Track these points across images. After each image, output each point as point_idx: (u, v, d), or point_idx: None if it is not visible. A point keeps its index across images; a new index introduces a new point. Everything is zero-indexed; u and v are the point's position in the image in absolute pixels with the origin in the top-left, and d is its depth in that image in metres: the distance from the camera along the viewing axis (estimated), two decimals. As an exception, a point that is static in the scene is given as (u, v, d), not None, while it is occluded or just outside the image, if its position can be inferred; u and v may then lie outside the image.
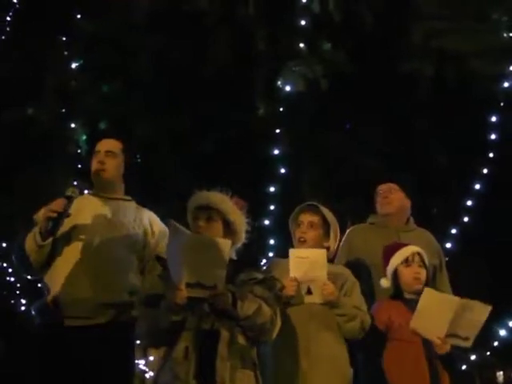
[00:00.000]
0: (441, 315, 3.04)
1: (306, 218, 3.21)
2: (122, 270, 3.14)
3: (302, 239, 3.18)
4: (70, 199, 3.02)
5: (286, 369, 2.96)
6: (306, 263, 3.03)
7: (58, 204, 3.00)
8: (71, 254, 3.08)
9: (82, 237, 3.10)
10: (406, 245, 3.37)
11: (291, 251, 3.11)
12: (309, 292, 3.03)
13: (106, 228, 3.15)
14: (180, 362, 2.50)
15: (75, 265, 3.05)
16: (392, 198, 3.82)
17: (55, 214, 2.98)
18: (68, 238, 3.10)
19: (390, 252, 3.35)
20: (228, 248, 2.45)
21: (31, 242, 3.04)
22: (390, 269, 3.31)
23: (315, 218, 3.20)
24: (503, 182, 5.55)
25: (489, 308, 3.04)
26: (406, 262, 3.27)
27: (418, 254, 3.30)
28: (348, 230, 3.88)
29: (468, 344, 3.09)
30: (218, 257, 2.43)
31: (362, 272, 3.56)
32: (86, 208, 3.14)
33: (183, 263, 2.44)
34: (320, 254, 3.06)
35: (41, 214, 3.16)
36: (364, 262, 3.63)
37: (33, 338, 3.21)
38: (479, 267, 5.59)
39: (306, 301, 3.04)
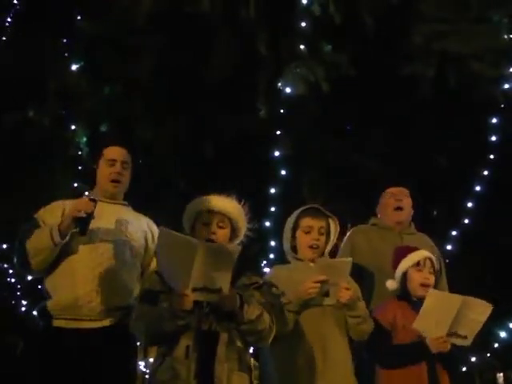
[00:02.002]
0: (444, 315, 3.03)
1: (316, 223, 3.13)
2: (129, 274, 3.16)
3: (315, 246, 3.10)
4: (94, 202, 3.00)
5: (302, 368, 2.93)
6: (331, 271, 2.97)
7: (86, 205, 2.97)
8: (80, 257, 3.08)
9: (91, 240, 3.10)
10: (417, 249, 3.33)
11: (316, 260, 3.05)
12: (326, 294, 2.99)
13: (112, 232, 3.16)
14: (181, 361, 2.50)
15: (85, 267, 3.06)
16: (405, 204, 3.81)
17: (84, 215, 2.95)
18: (75, 241, 3.08)
19: (401, 254, 3.32)
20: (237, 254, 2.46)
21: (44, 239, 2.99)
22: (399, 270, 3.28)
23: (323, 224, 3.14)
24: (504, 183, 5.56)
25: (490, 307, 3.04)
26: (418, 265, 3.25)
27: (430, 259, 3.28)
28: (350, 231, 3.88)
29: (467, 343, 3.09)
30: (226, 263, 2.44)
31: (365, 274, 3.56)
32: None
33: (191, 269, 2.43)
34: (346, 264, 3.00)
35: (42, 213, 3.16)
36: (367, 264, 3.62)
37: (34, 338, 3.21)
38: (480, 269, 5.60)
39: (324, 302, 3.01)
